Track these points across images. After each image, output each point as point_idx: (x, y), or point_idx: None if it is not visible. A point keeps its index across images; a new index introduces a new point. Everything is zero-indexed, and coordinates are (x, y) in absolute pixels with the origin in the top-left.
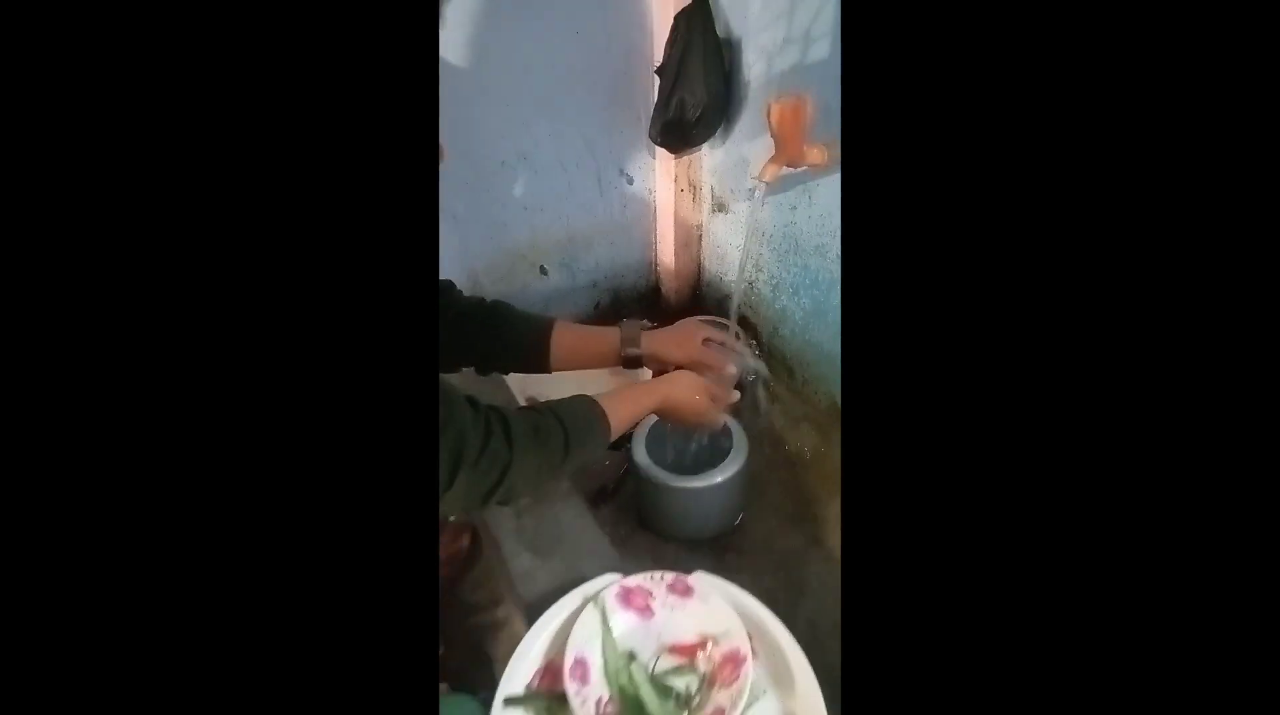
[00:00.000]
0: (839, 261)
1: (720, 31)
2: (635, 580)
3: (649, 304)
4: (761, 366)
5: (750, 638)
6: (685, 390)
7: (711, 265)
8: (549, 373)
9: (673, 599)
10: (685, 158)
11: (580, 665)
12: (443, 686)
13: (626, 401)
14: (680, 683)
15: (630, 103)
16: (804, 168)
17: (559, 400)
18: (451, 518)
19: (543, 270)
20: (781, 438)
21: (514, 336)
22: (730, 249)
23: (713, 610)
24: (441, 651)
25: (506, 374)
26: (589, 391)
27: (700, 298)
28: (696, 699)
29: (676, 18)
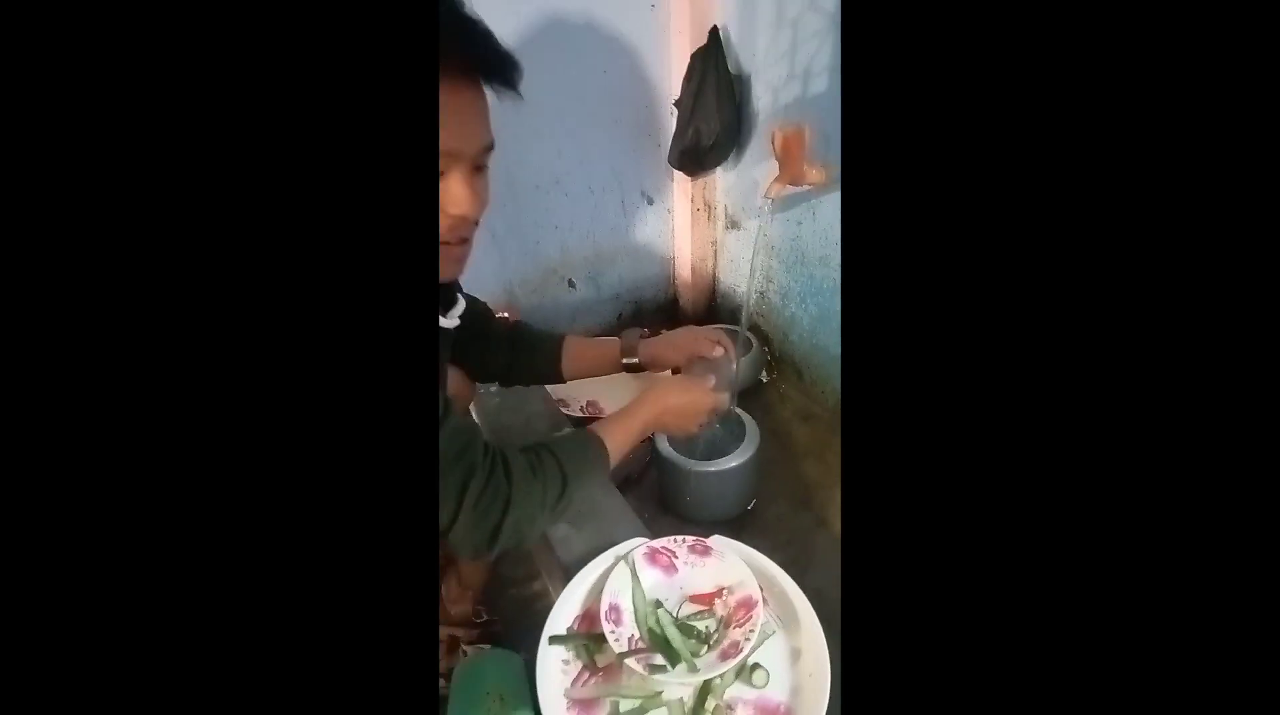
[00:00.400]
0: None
1: (731, 68)
2: (660, 542)
3: (668, 315)
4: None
5: (761, 588)
6: (675, 397)
7: (726, 277)
8: (563, 383)
9: (693, 557)
10: (701, 180)
11: (614, 610)
12: (485, 647)
13: (620, 428)
14: (701, 625)
15: (651, 132)
16: (806, 186)
17: (556, 437)
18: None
19: (571, 284)
20: (791, 432)
21: (532, 354)
22: (743, 262)
23: (728, 565)
24: (485, 618)
25: (527, 386)
26: (613, 392)
27: (715, 308)
28: (715, 636)
29: (692, 56)
